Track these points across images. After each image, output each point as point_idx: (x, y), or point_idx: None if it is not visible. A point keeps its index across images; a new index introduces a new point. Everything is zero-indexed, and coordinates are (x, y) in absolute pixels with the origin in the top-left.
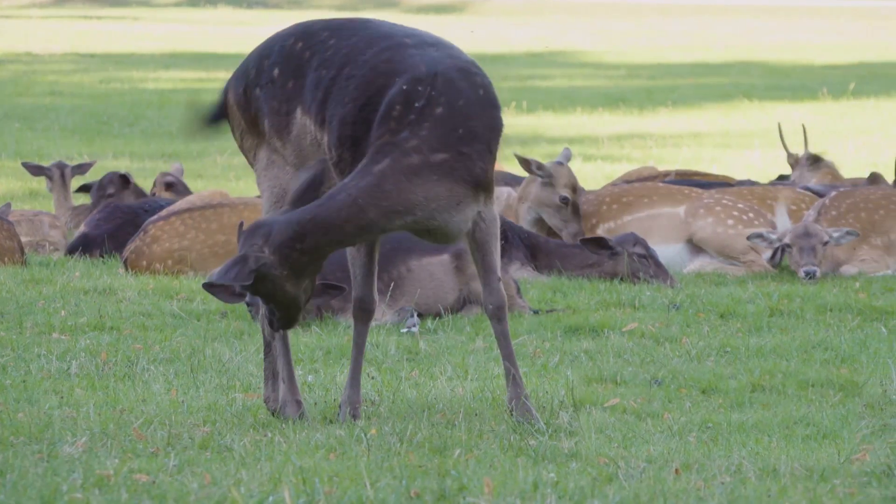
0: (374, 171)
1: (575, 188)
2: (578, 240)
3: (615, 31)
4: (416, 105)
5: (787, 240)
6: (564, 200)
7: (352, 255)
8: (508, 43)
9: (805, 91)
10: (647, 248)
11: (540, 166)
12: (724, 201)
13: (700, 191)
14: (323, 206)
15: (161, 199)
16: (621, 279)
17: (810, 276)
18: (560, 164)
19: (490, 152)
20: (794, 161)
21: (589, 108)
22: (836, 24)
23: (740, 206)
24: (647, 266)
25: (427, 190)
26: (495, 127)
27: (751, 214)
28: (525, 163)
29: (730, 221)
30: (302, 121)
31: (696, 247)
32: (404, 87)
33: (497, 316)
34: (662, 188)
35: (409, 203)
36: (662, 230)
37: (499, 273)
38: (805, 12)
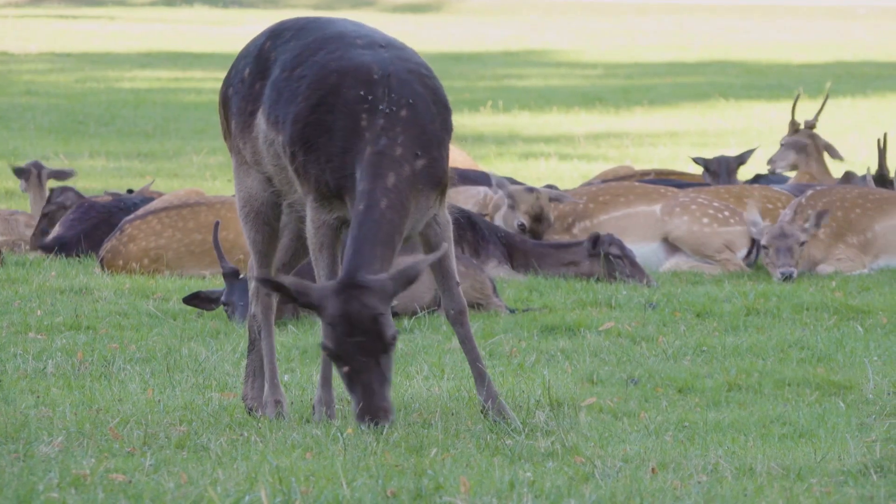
0: (389, 187)
1: (539, 217)
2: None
3: (592, 30)
4: (381, 108)
5: (763, 241)
6: (521, 227)
7: (314, 257)
8: (484, 42)
9: (781, 90)
10: (622, 248)
11: (507, 190)
12: (700, 200)
13: (676, 190)
14: (363, 239)
15: (136, 197)
16: (598, 279)
17: (787, 277)
18: (529, 190)
19: (448, 153)
20: (793, 129)
21: (565, 108)
22: (813, 23)
23: (716, 204)
24: (623, 266)
25: (418, 199)
26: (449, 129)
27: (726, 213)
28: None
29: (705, 220)
30: (258, 122)
31: (672, 245)
32: (362, 93)
33: (459, 320)
34: (638, 187)
35: (409, 214)
36: (638, 229)
37: (457, 277)
38: (781, 11)
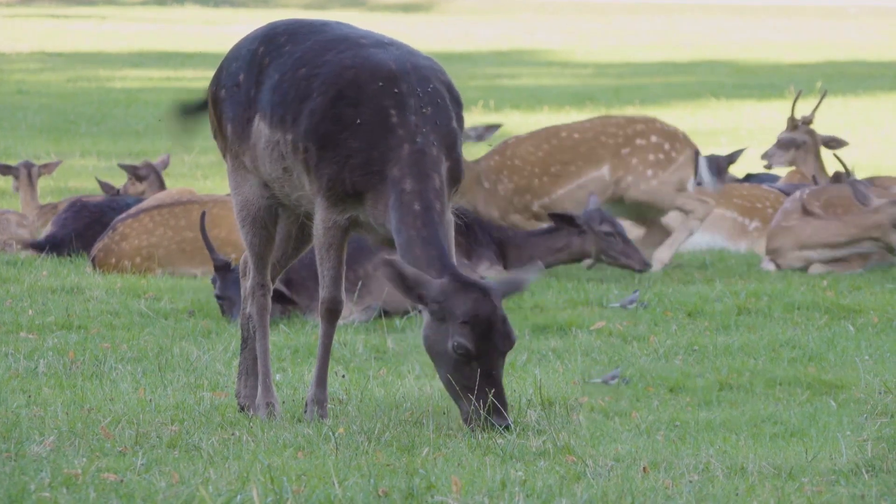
0: (438, 188)
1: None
2: (548, 213)
3: (583, 29)
4: (410, 104)
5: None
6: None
7: (320, 257)
8: (475, 41)
9: (772, 90)
10: (614, 224)
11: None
12: (638, 152)
13: (616, 140)
14: (441, 239)
15: (128, 196)
16: (591, 258)
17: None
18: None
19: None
20: (793, 126)
21: (556, 107)
22: (803, 22)
23: (650, 155)
24: (616, 243)
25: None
26: (463, 126)
27: (660, 155)
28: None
29: (649, 172)
30: (258, 126)
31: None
32: (386, 89)
33: None
34: (582, 146)
35: None
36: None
37: None
38: (772, 11)
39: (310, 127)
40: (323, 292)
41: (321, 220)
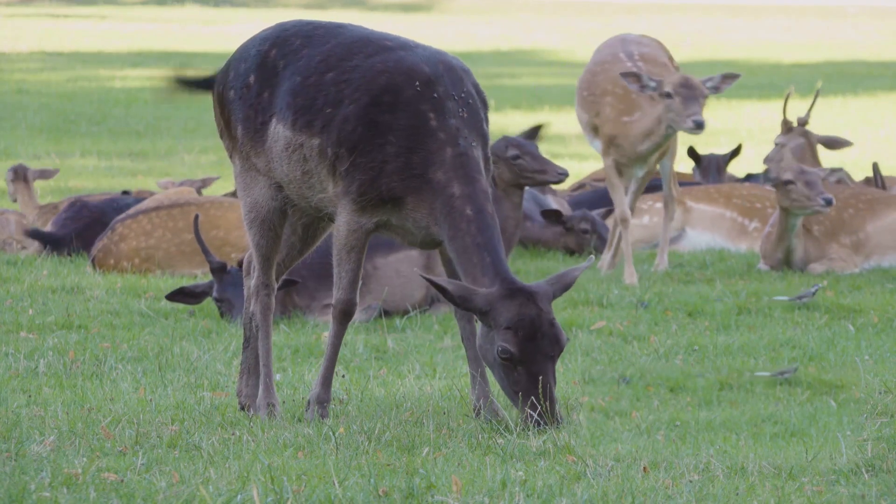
0: (485, 190)
1: (687, 84)
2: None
3: (582, 29)
4: (448, 107)
5: (788, 175)
6: (667, 95)
7: (339, 258)
8: (475, 41)
9: (772, 89)
10: (520, 146)
11: (650, 81)
12: None
13: None
14: (495, 244)
15: (129, 197)
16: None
17: (830, 202)
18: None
19: None
20: (787, 128)
21: (556, 107)
22: (803, 22)
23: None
24: (527, 163)
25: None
26: (488, 125)
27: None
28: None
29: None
30: (275, 129)
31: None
32: (423, 92)
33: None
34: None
35: None
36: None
37: None
38: (771, 11)
39: (343, 133)
40: (339, 293)
41: (345, 222)
